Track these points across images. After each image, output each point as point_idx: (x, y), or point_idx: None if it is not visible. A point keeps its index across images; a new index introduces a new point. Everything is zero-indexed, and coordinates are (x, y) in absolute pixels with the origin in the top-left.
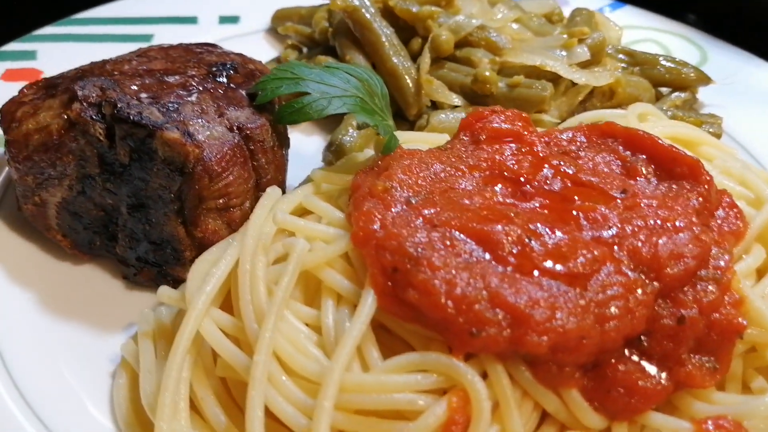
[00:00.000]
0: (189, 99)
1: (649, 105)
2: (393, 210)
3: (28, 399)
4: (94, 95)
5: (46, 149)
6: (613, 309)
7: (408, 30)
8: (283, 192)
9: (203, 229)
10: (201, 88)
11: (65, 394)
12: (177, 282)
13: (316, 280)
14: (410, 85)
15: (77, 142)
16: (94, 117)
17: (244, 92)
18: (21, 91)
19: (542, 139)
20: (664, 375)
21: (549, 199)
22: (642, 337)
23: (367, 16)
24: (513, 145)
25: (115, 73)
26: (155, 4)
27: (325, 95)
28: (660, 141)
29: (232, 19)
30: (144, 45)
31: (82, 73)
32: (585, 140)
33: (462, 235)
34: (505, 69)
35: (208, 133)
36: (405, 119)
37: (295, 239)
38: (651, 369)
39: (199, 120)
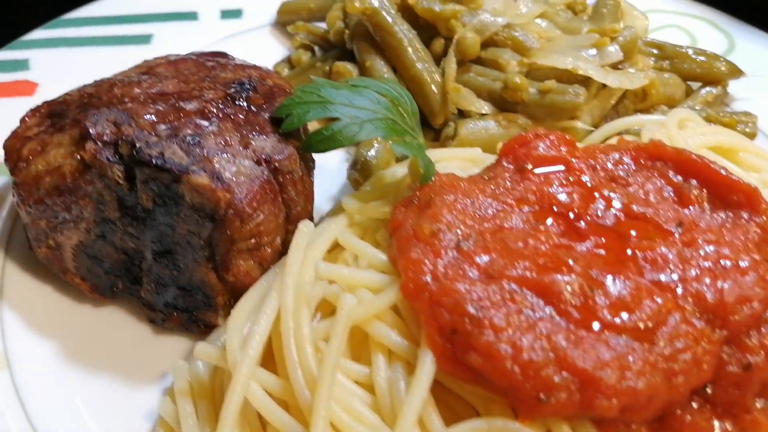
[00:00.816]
0: (210, 129)
1: (687, 111)
2: (443, 258)
3: None
4: (108, 132)
5: (59, 193)
6: (681, 362)
7: (429, 29)
8: (311, 218)
9: (235, 273)
10: (221, 115)
11: None
12: (208, 327)
13: (363, 331)
14: (436, 92)
15: (93, 185)
16: (111, 159)
17: (266, 115)
18: (23, 121)
19: (588, 163)
20: (729, 423)
21: (604, 236)
22: (707, 386)
23: (388, 19)
24: (560, 174)
25: (126, 99)
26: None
27: (355, 120)
28: (713, 166)
29: (235, 13)
30: (143, 47)
31: (88, 99)
32: (632, 163)
33: (521, 288)
34: (534, 71)
35: (235, 169)
36: (430, 127)
37: (343, 295)
38: (716, 418)
39: (224, 155)
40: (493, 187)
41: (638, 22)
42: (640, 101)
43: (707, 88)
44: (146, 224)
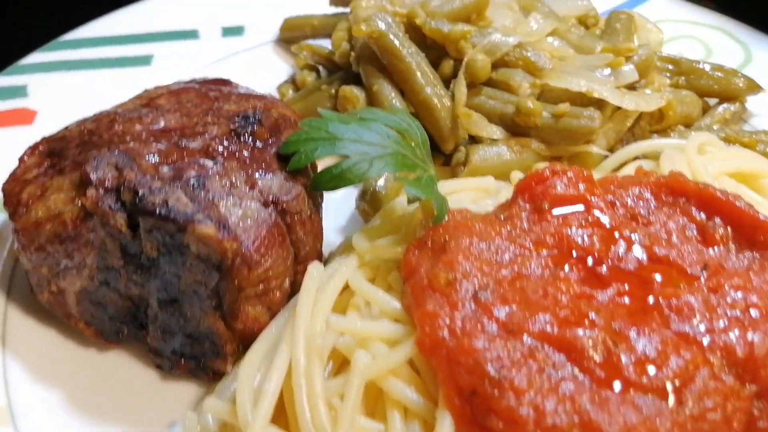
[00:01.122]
0: (215, 169)
1: (707, 134)
2: (461, 310)
3: None
4: (110, 176)
5: (60, 241)
6: (710, 421)
7: (437, 48)
8: (321, 256)
9: (244, 320)
10: (226, 154)
11: None
12: (217, 374)
13: (378, 386)
14: (446, 117)
15: (96, 233)
16: (113, 206)
17: (273, 150)
18: (21, 161)
19: (608, 201)
20: None
21: (626, 282)
22: None
23: (395, 42)
24: (579, 215)
25: (127, 137)
26: (151, 17)
27: (364, 156)
28: (739, 204)
29: (236, 31)
30: (143, 69)
31: (89, 136)
32: (653, 198)
33: (542, 344)
34: (547, 92)
35: (241, 212)
36: (440, 151)
37: (357, 352)
38: None
39: (230, 197)
40: (509, 228)
41: (652, 36)
42: (657, 122)
43: (725, 105)
44: (151, 273)
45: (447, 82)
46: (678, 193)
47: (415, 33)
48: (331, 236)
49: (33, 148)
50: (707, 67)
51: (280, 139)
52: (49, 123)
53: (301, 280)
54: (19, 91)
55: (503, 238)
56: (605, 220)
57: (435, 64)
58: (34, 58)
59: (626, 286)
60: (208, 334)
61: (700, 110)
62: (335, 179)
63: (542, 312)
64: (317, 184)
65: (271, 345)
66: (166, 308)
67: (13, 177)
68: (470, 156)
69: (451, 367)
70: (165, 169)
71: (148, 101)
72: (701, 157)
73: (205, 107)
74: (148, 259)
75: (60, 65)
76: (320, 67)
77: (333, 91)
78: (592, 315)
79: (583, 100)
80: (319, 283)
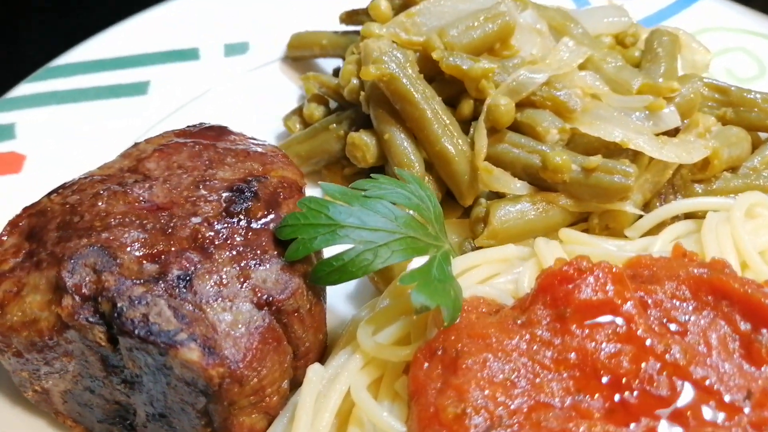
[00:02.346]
0: (203, 265)
1: (758, 195)
2: None
3: None
4: (87, 281)
5: (38, 350)
6: None
7: (456, 83)
8: (323, 347)
9: (238, 430)
10: (216, 242)
11: None
12: None
13: None
14: (464, 171)
15: (75, 344)
16: (90, 319)
17: (271, 227)
18: (0, 241)
19: (638, 297)
20: None
21: (658, 418)
22: None
23: (408, 86)
24: (607, 325)
25: (110, 220)
26: (148, 34)
27: (369, 245)
28: None
29: (240, 48)
30: (139, 99)
31: (70, 215)
32: (691, 298)
33: None
34: (577, 137)
35: (231, 318)
36: (456, 202)
37: None
38: None
39: (219, 300)
40: (528, 338)
41: (698, 57)
42: (700, 171)
43: None
44: (135, 387)
45: (467, 122)
46: (720, 294)
47: (431, 65)
48: (339, 305)
49: (13, 224)
50: (759, 98)
51: (278, 215)
52: (37, 171)
53: (302, 376)
54: (7, 132)
55: (520, 353)
56: (636, 331)
57: (453, 101)
58: (23, 89)
59: (656, 424)
60: None
61: (749, 148)
62: (336, 273)
63: None
64: (317, 278)
65: None
66: (154, 421)
67: None
68: (491, 216)
69: None
70: (148, 267)
71: (137, 163)
72: (750, 223)
73: (196, 175)
74: (131, 375)
75: (50, 97)
76: (330, 102)
77: (342, 132)
78: None
79: (617, 148)
80: (319, 386)
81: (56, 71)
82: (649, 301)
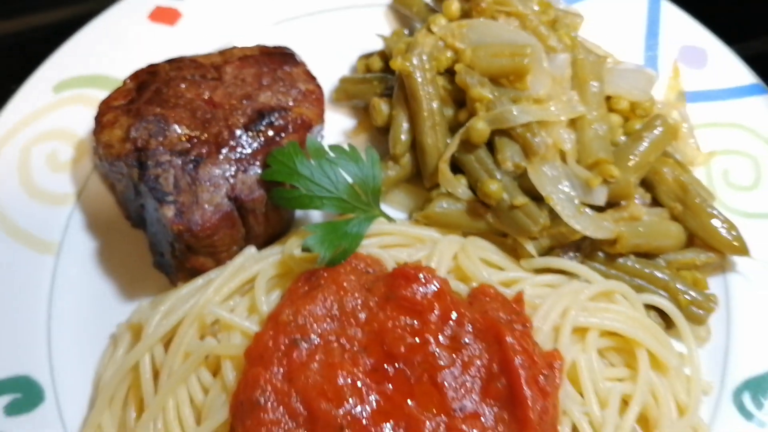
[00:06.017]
0: (212, 157)
1: (620, 285)
2: (281, 348)
3: None
4: (141, 139)
5: (110, 162)
6: None
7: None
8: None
9: (192, 263)
10: (231, 144)
11: None
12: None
13: None
14: (431, 163)
15: (124, 170)
16: (133, 163)
17: (265, 152)
18: (125, 82)
19: (447, 314)
20: None
21: (401, 392)
22: None
23: (418, 83)
24: (410, 319)
25: (181, 101)
26: None
27: (310, 194)
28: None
29: None
30: None
31: (165, 85)
32: (481, 330)
33: (299, 404)
34: (526, 177)
35: (208, 197)
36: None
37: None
38: None
39: (207, 184)
40: (360, 302)
41: (689, 152)
42: (609, 245)
43: (703, 252)
44: (146, 208)
45: (462, 125)
46: (497, 339)
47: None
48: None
49: (137, 74)
50: (714, 212)
51: (279, 144)
52: (188, 31)
53: None
54: None
55: (350, 307)
56: (425, 333)
57: (460, 104)
58: None
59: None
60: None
61: (677, 244)
62: (286, 201)
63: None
64: (271, 196)
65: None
66: (152, 232)
67: (110, 99)
68: (431, 203)
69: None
70: (180, 144)
71: (222, 64)
72: (602, 304)
73: (249, 91)
74: (145, 202)
75: None
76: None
77: (378, 91)
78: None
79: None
80: (244, 261)
81: None
82: (453, 317)
